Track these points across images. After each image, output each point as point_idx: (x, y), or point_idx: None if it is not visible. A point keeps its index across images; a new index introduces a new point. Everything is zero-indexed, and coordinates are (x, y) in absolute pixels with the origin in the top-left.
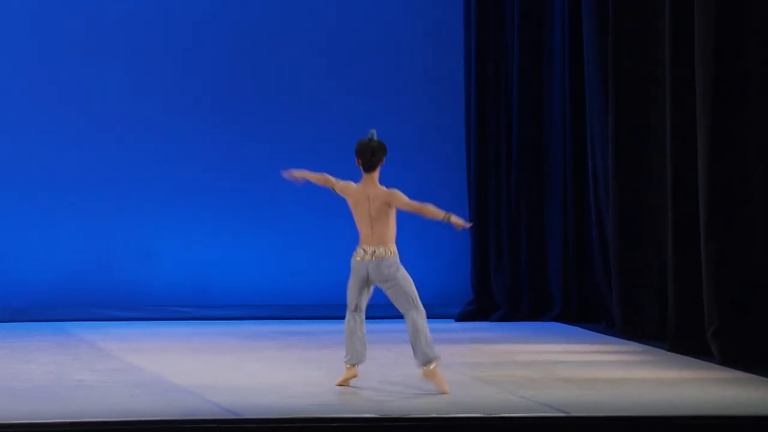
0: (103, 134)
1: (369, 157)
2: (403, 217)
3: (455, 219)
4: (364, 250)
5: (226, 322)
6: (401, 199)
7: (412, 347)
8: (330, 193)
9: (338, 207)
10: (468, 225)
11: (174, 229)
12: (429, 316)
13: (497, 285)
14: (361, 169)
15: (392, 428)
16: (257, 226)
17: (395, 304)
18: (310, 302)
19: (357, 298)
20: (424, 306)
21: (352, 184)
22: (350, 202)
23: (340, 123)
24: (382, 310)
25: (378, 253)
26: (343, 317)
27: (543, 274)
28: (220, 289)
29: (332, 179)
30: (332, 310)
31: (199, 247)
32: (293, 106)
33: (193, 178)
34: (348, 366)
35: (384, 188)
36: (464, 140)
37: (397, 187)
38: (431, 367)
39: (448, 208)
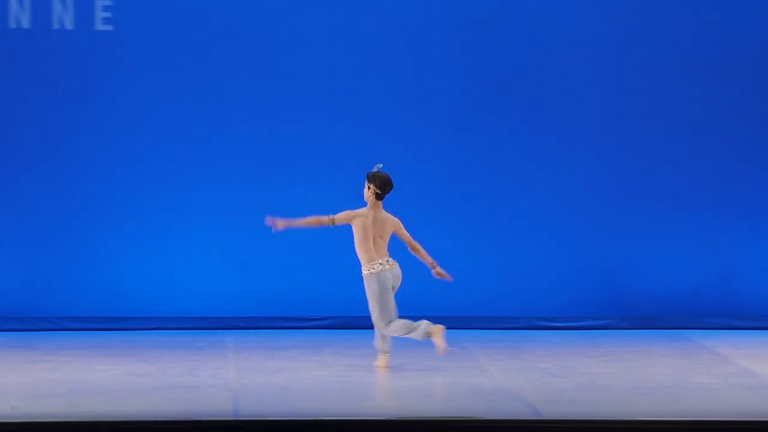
0: None
1: (389, 189)
2: None
3: (438, 269)
4: (380, 263)
5: None
6: (403, 230)
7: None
8: None
9: None
10: (449, 279)
11: None
12: None
13: None
14: (375, 198)
15: None
16: None
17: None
18: None
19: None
20: None
21: (354, 211)
22: (359, 224)
23: None
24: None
25: (390, 261)
26: None
27: None
28: None
29: (325, 218)
30: None
31: None
32: None
33: None
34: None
35: (390, 215)
36: None
37: None
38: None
39: None
